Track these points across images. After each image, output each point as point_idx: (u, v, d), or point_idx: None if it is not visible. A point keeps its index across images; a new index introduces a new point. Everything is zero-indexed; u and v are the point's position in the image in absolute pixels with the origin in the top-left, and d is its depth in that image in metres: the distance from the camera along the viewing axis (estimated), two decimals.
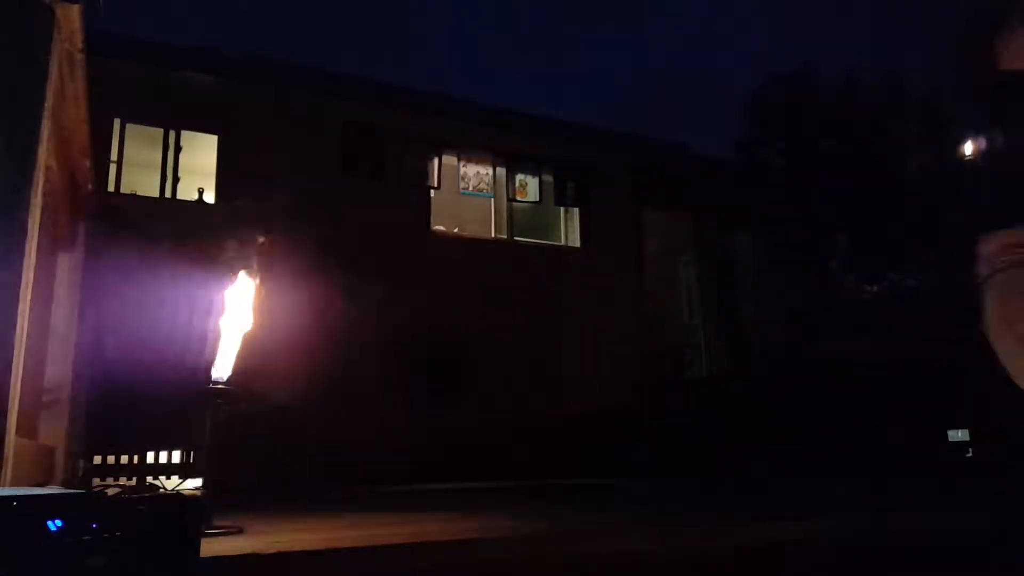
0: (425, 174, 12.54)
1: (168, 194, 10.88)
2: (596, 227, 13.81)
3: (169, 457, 9.05)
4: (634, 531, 3.84)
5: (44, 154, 4.09)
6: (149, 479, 8.31)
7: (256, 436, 9.52)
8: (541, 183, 13.54)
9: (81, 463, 7.34)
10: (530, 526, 3.94)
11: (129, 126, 10.65)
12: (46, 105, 4.01)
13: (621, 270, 13.72)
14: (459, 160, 12.90)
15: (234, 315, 3.85)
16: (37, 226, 4.11)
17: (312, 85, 11.91)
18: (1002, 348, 1.47)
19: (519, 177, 13.37)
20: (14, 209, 3.74)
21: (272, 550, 2.90)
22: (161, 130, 10.91)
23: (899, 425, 10.30)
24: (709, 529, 3.89)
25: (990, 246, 1.51)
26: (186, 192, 11.06)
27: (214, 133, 11.12)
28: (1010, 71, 1.47)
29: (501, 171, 13.20)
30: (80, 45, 4.43)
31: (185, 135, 11.03)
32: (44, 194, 4.52)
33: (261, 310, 3.94)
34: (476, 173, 13.04)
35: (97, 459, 8.39)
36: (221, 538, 3.28)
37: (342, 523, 4.38)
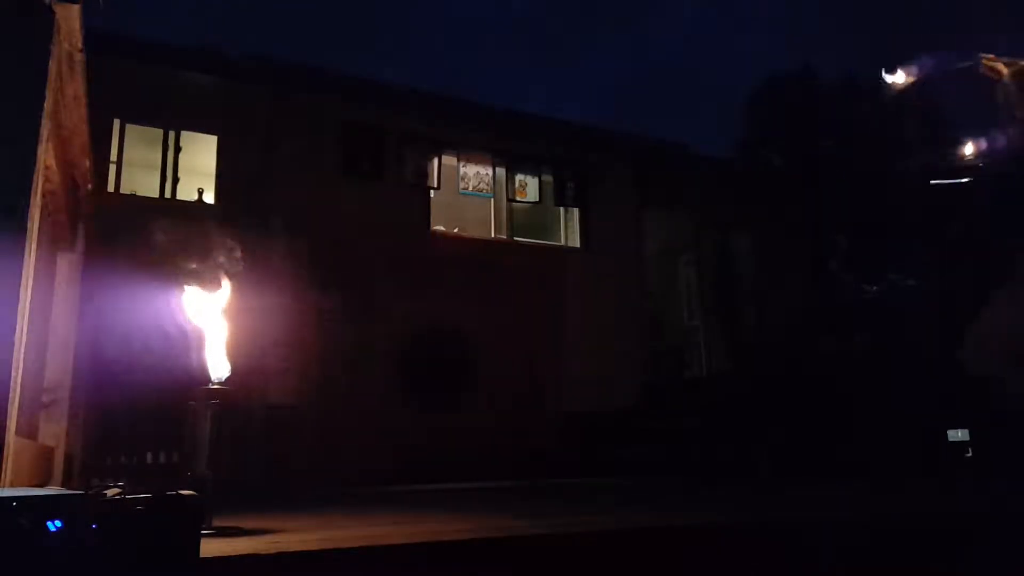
0: (425, 174, 12.53)
1: (168, 194, 10.87)
2: (596, 227, 13.80)
3: (169, 457, 9.05)
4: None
5: (44, 154, 4.09)
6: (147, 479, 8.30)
7: (256, 436, 9.54)
8: (541, 183, 13.53)
9: (80, 463, 7.34)
10: (533, 525, 3.94)
11: (129, 126, 10.64)
12: (46, 105, 4.01)
13: (621, 270, 13.72)
14: (459, 160, 12.89)
15: (208, 316, 3.87)
16: (37, 226, 4.11)
17: (312, 85, 11.91)
18: None
19: (519, 177, 13.37)
20: (14, 209, 3.74)
21: (272, 550, 2.90)
22: (161, 130, 10.91)
23: (899, 425, 10.30)
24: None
25: None
26: (186, 192, 11.05)
27: (214, 133, 11.12)
28: None
29: (501, 171, 13.20)
30: (80, 45, 4.43)
31: (185, 135, 11.02)
32: (44, 194, 4.53)
33: (239, 311, 3.95)
34: (476, 173, 13.03)
35: (96, 459, 8.39)
36: (221, 538, 3.28)
37: (342, 523, 4.37)
